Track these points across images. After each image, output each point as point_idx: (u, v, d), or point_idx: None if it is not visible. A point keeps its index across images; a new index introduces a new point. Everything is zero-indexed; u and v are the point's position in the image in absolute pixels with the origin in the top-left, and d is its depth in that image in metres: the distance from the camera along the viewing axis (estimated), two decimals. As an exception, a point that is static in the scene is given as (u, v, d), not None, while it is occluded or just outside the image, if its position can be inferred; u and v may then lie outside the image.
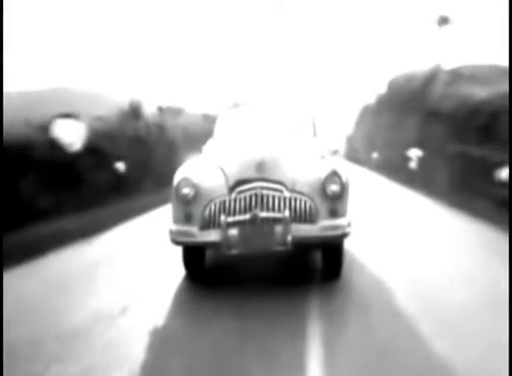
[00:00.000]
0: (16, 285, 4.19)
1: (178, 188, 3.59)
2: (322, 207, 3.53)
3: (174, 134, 14.94)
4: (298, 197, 3.53)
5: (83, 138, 9.23)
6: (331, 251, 3.90)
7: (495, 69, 20.67)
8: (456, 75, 20.49)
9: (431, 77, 20.56)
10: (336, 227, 3.53)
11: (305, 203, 3.52)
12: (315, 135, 5.10)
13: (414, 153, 14.59)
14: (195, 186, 3.57)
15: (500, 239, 5.81)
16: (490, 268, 4.55)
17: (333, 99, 42.56)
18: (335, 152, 5.17)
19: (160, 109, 18.14)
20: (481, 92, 12.97)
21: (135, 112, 13.46)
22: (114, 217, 7.96)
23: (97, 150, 9.95)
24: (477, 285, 3.99)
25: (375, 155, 24.33)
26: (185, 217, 3.56)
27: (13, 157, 7.69)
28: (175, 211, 3.65)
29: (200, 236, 3.51)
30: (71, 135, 9.01)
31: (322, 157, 4.40)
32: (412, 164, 14.65)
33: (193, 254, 4.03)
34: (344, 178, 3.63)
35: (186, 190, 3.57)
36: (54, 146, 8.72)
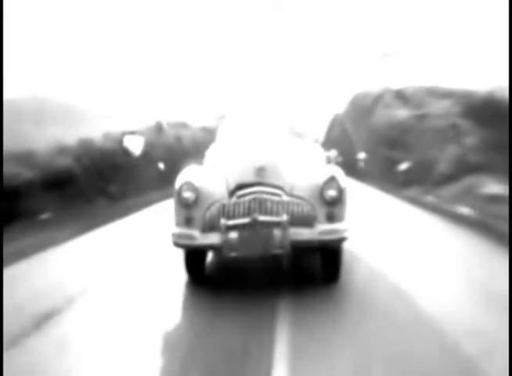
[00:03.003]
0: (141, 215, 9.40)
1: (180, 192, 3.68)
2: (320, 212, 3.59)
3: (186, 143, 20.06)
4: (297, 201, 3.59)
5: (141, 147, 14.31)
6: (329, 254, 3.94)
7: (428, 90, 26.64)
8: (399, 95, 26.32)
9: (379, 97, 26.20)
10: (333, 231, 3.58)
11: (303, 207, 3.57)
12: (316, 141, 5.18)
13: (361, 156, 20.14)
14: (196, 190, 3.65)
15: (388, 197, 11.47)
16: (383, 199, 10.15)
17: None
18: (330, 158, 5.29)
19: (169, 124, 23.25)
20: (404, 113, 18.53)
21: (159, 128, 18.58)
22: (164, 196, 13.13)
23: (146, 154, 15.03)
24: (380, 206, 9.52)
25: (339, 158, 29.92)
26: (187, 220, 3.64)
27: (108, 160, 12.74)
28: (177, 214, 3.73)
29: (200, 239, 3.58)
30: (135, 146, 14.07)
31: (322, 163, 4.51)
32: (361, 164, 20.19)
33: (194, 257, 4.06)
34: (342, 184, 3.68)
35: (188, 194, 3.65)
36: (125, 152, 13.79)
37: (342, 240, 3.65)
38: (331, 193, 3.59)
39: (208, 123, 25.38)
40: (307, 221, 3.54)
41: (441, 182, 10.96)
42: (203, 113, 28.93)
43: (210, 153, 4.74)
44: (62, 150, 11.25)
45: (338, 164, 5.00)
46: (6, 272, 4.64)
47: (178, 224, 3.69)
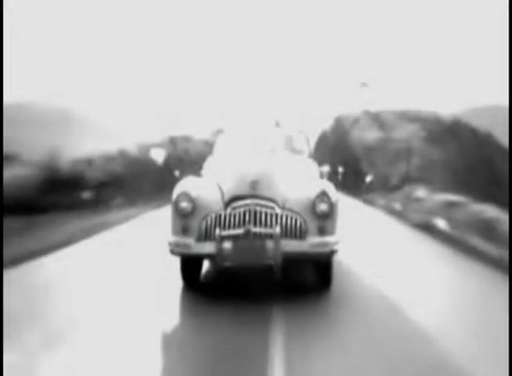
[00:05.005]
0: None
1: (177, 202, 3.80)
2: (312, 225, 3.73)
3: (192, 155, 23.88)
4: (289, 214, 3.72)
5: (163, 158, 18.11)
6: (321, 265, 4.15)
7: (400, 114, 30.96)
8: (375, 118, 30.66)
9: (356, 120, 30.37)
10: (324, 244, 3.72)
11: (295, 220, 3.71)
12: (310, 156, 5.37)
13: (340, 170, 24.21)
14: (193, 201, 3.78)
15: (355, 201, 15.36)
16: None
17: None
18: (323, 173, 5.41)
19: (177, 138, 27.07)
20: (373, 135, 22.71)
21: (173, 142, 22.44)
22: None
23: (166, 164, 18.83)
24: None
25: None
26: (183, 229, 3.79)
27: (139, 168, 16.51)
28: (174, 223, 3.86)
29: (195, 247, 3.72)
30: (159, 157, 17.86)
31: (315, 178, 4.69)
32: (339, 176, 24.26)
33: (190, 266, 4.21)
34: (333, 198, 3.83)
35: (184, 204, 3.78)
36: (152, 161, 17.58)
37: (332, 252, 3.80)
38: (322, 207, 3.75)
39: (207, 136, 28.96)
40: (299, 233, 3.69)
41: (391, 190, 14.95)
42: (203, 127, 32.54)
43: (207, 165, 4.94)
44: (109, 158, 15.06)
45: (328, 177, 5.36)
46: (123, 227, 8.44)
47: (174, 233, 3.84)
